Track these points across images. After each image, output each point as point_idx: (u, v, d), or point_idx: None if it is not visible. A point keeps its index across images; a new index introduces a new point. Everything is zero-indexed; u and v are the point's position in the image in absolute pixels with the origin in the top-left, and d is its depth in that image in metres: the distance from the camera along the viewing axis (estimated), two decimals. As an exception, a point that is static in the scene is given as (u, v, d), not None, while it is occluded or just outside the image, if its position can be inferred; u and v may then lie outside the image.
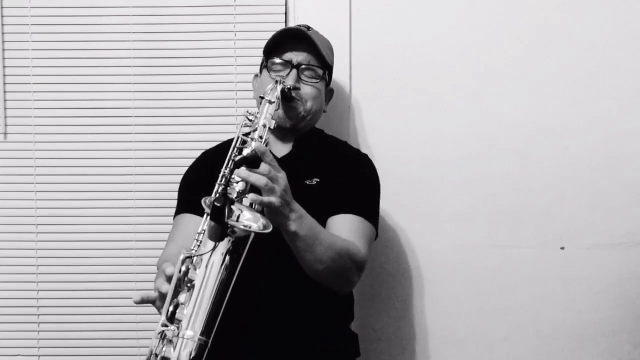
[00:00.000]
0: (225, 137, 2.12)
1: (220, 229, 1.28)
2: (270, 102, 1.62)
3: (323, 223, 1.68)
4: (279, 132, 1.80)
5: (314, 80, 1.80)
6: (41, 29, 2.15)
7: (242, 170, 1.38)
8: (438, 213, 2.16)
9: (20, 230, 2.19)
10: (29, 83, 2.17)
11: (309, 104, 1.79)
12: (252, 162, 1.39)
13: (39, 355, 2.22)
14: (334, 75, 1.95)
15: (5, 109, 2.17)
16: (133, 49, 2.15)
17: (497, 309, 2.18)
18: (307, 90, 1.79)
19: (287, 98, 1.73)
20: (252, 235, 1.34)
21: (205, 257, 1.32)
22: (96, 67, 2.16)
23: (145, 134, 2.17)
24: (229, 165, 1.47)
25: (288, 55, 1.78)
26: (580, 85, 2.13)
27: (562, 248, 2.16)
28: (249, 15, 2.13)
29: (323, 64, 1.81)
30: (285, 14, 2.13)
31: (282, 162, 1.71)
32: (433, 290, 2.18)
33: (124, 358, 2.20)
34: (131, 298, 2.12)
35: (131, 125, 2.17)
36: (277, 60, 1.79)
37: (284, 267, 1.63)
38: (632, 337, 2.18)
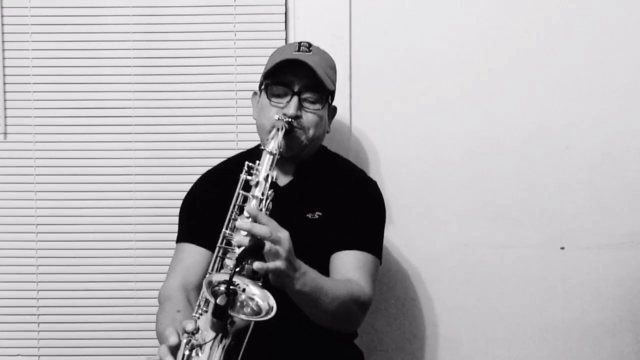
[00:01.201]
0: (225, 138, 2.14)
1: (222, 325, 1.27)
2: (271, 154, 1.56)
3: (326, 258, 1.67)
4: (280, 160, 1.68)
5: (316, 107, 1.72)
6: (41, 29, 2.15)
7: (244, 239, 1.34)
8: (438, 213, 2.15)
9: (20, 230, 2.19)
10: (29, 83, 2.16)
11: (311, 132, 1.72)
12: (255, 251, 1.33)
13: (39, 355, 2.22)
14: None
15: (5, 109, 2.17)
16: (133, 49, 2.15)
17: (497, 308, 2.18)
18: (309, 117, 1.71)
19: (288, 130, 1.66)
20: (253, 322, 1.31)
21: (207, 346, 1.29)
22: (96, 67, 2.15)
23: (145, 134, 2.17)
24: (229, 225, 1.44)
25: (288, 82, 1.71)
26: (580, 85, 2.13)
27: (562, 248, 2.16)
28: (249, 15, 2.13)
29: (324, 88, 1.75)
30: (285, 14, 2.13)
31: (283, 192, 1.69)
32: (433, 290, 2.18)
33: (124, 358, 2.20)
34: (131, 298, 2.18)
35: (131, 125, 2.16)
36: (277, 86, 1.72)
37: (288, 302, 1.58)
38: (632, 337, 2.18)
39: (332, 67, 1.82)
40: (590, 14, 2.12)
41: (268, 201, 1.48)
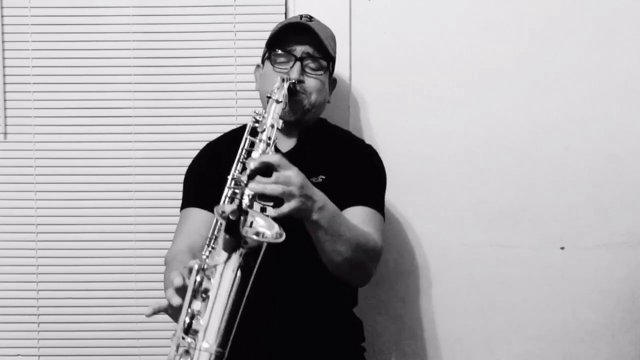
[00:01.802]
0: (226, 137, 2.13)
1: (234, 241, 1.27)
2: (277, 102, 1.61)
3: None
4: (283, 126, 1.75)
5: (318, 73, 1.78)
6: (41, 29, 2.15)
7: (254, 186, 1.35)
8: (438, 213, 2.16)
9: (20, 230, 2.19)
10: (29, 83, 2.16)
11: (313, 97, 1.77)
12: (265, 171, 1.37)
13: (39, 355, 2.22)
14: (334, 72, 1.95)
15: (5, 109, 2.17)
16: (133, 49, 2.15)
17: (496, 308, 2.18)
18: (311, 83, 1.77)
19: (292, 92, 1.72)
20: (265, 244, 1.33)
21: (220, 268, 1.30)
22: (96, 67, 2.15)
23: (145, 134, 2.17)
24: (237, 167, 1.45)
25: (291, 48, 1.77)
26: (580, 85, 2.13)
27: (562, 248, 2.16)
28: (249, 15, 2.13)
29: (326, 55, 1.80)
30: (285, 14, 2.13)
31: (287, 157, 1.71)
32: (433, 289, 2.19)
33: (124, 358, 2.20)
34: (131, 298, 2.18)
35: (131, 125, 2.17)
36: (280, 52, 1.77)
37: (296, 262, 1.63)
38: (633, 337, 2.18)
39: (333, 38, 1.88)
40: (590, 14, 2.12)
41: (273, 146, 1.52)
